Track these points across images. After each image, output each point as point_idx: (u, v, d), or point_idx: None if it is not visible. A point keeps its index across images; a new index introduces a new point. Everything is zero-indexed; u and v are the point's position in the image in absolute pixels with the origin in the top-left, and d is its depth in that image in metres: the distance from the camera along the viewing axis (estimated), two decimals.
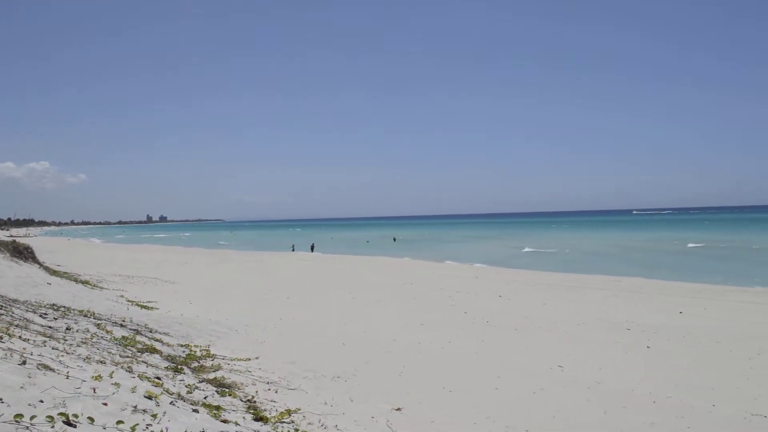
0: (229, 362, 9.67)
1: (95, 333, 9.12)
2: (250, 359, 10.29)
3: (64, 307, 11.87)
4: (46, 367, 5.51)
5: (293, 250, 66.63)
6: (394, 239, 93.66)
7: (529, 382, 10.49)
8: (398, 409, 8.17)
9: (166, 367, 7.85)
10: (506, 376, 10.86)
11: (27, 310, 9.91)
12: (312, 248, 65.20)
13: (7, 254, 20.60)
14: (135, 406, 5.04)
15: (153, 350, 8.92)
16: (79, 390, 5.06)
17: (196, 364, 8.91)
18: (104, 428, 4.32)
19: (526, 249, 62.80)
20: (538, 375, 11.09)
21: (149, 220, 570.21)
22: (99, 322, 10.58)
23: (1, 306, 9.51)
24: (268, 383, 8.51)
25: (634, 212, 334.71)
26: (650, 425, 8.42)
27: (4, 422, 3.89)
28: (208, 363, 9.25)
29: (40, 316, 9.73)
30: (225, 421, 5.76)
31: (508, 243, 75.71)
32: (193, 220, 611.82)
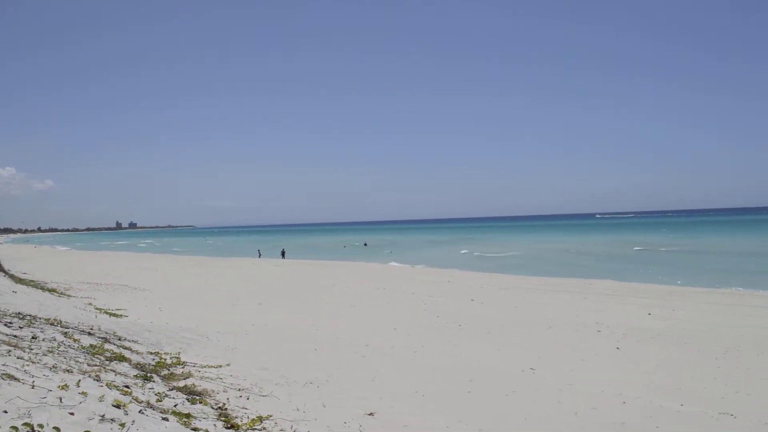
0: (200, 369, 9.56)
1: (62, 342, 8.95)
2: (221, 366, 10.18)
3: (30, 315, 11.63)
4: (11, 377, 5.39)
5: (260, 256, 66.18)
6: (365, 244, 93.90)
7: (501, 385, 10.55)
8: (371, 414, 8.15)
9: (135, 375, 7.73)
10: (478, 380, 10.90)
11: None
12: (283, 254, 64.70)
13: None
14: (103, 416, 4.96)
15: (122, 358, 8.78)
16: (44, 400, 4.96)
17: (166, 372, 8.79)
18: None
19: (477, 253, 65.62)
20: (510, 378, 11.16)
21: (118, 226, 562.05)
22: (66, 330, 10.39)
23: None
24: (239, 390, 8.42)
25: (597, 216, 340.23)
26: (620, 425, 8.52)
27: None
28: (179, 370, 9.13)
29: (5, 325, 9.52)
30: (195, 429, 5.68)
31: (463, 247, 78.01)
32: (163, 227, 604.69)
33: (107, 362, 8.17)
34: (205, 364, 10.20)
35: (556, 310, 21.08)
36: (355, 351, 13.25)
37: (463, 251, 69.78)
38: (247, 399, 7.97)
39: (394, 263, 51.77)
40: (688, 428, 8.52)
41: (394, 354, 13.16)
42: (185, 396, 7.22)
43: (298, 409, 7.87)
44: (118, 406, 5.41)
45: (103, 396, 5.63)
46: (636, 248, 62.76)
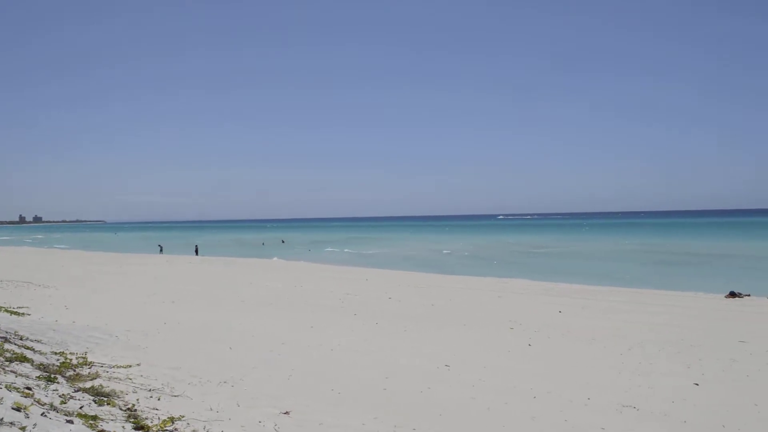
0: (108, 370, 9.23)
1: None
2: (131, 366, 9.86)
3: None
4: None
5: (161, 252, 64.55)
6: (283, 241, 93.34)
7: (417, 382, 10.67)
8: (286, 413, 8.09)
9: (38, 377, 7.38)
10: (394, 377, 11.00)
11: None
12: (196, 251, 63.06)
13: None
14: (1, 419, 4.71)
15: (23, 359, 8.35)
16: None
17: (71, 373, 8.43)
18: None
19: (346, 250, 71.71)
20: (426, 375, 11.31)
21: (22, 220, 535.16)
22: None
23: None
24: (150, 390, 8.18)
25: (500, 217, 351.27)
26: (531, 419, 8.79)
27: None
28: (85, 371, 8.77)
29: None
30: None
31: (348, 246, 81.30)
32: (71, 221, 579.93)
33: (7, 363, 7.76)
34: (114, 364, 9.86)
35: (472, 308, 21.53)
36: (271, 349, 13.11)
37: (346, 250, 73.00)
38: (158, 399, 7.75)
39: (277, 258, 55.74)
40: (594, 420, 8.87)
41: (310, 352, 13.10)
42: (92, 397, 6.95)
43: (211, 409, 7.72)
44: (18, 409, 5.15)
45: (2, 398, 5.35)
46: (517, 249, 67.41)
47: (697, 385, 11.14)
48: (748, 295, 25.80)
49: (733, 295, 25.72)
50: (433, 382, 10.71)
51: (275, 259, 54.64)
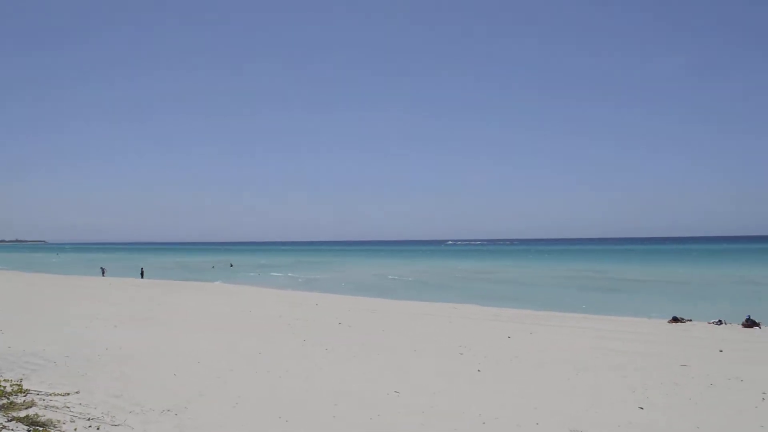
0: (45, 398, 8.85)
1: None
2: (69, 394, 9.48)
3: None
4: None
5: (103, 275, 62.93)
6: (231, 265, 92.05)
7: (366, 409, 10.55)
8: None
9: None
10: (343, 404, 10.85)
11: None
12: (142, 273, 61.63)
13: None
14: None
15: None
16: None
17: (5, 401, 8.05)
18: None
19: (290, 274, 70.79)
20: (375, 401, 11.20)
21: None
22: None
23: None
24: (89, 419, 7.86)
25: (449, 242, 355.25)
26: None
27: None
28: (20, 399, 8.39)
29: None
30: None
31: (291, 270, 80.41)
32: (9, 241, 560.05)
33: None
34: (51, 391, 9.47)
35: (422, 334, 21.51)
36: (218, 376, 12.81)
37: (290, 274, 72.24)
38: (97, 429, 7.46)
39: (220, 282, 55.33)
40: None
41: (257, 379, 12.84)
42: (26, 427, 6.64)
43: None
44: None
45: None
46: (462, 275, 67.77)
47: (642, 408, 11.31)
48: (690, 320, 26.54)
49: (675, 320, 26.41)
50: (383, 410, 10.60)
51: (218, 283, 53.79)
